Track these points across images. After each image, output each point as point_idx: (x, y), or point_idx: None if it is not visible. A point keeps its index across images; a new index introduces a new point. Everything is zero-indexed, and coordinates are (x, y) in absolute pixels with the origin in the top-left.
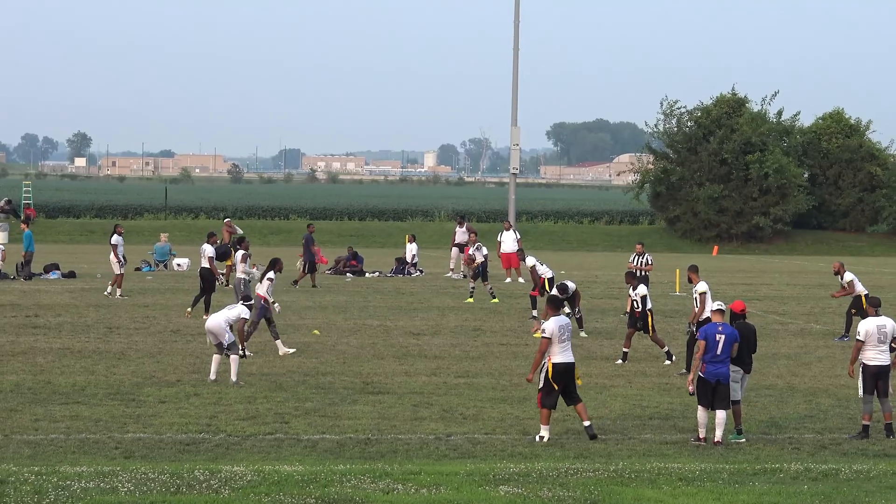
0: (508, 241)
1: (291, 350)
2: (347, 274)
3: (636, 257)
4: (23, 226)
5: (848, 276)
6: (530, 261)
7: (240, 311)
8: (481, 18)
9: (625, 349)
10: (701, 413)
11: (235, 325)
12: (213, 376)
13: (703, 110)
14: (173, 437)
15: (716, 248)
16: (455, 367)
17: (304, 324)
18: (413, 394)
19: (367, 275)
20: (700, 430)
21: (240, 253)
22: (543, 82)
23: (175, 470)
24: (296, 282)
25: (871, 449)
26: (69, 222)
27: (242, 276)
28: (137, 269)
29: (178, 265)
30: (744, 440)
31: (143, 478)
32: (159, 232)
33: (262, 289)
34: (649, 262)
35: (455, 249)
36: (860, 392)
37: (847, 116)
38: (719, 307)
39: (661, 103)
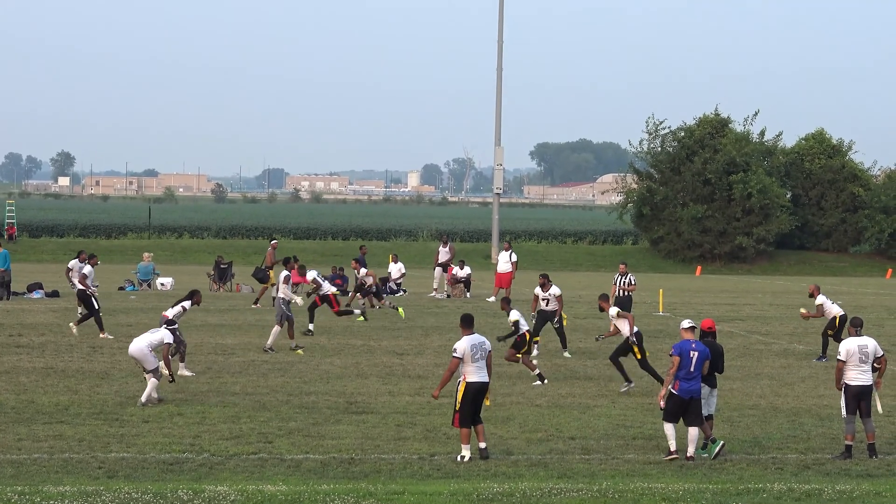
0: (503, 261)
1: (190, 373)
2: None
3: (619, 277)
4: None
5: (820, 299)
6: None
7: (163, 335)
8: (464, 38)
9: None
10: (668, 427)
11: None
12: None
13: (686, 130)
14: (157, 456)
15: (699, 268)
16: None
17: (288, 343)
18: (397, 413)
19: (349, 294)
20: (670, 442)
21: (283, 274)
22: (527, 102)
23: (158, 490)
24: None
25: (854, 469)
26: (53, 241)
27: (283, 297)
28: (121, 288)
29: (162, 284)
30: (711, 452)
31: (127, 498)
32: (143, 251)
33: (170, 312)
34: (632, 283)
35: (438, 269)
36: (843, 412)
37: (829, 137)
38: (690, 325)
39: (647, 122)
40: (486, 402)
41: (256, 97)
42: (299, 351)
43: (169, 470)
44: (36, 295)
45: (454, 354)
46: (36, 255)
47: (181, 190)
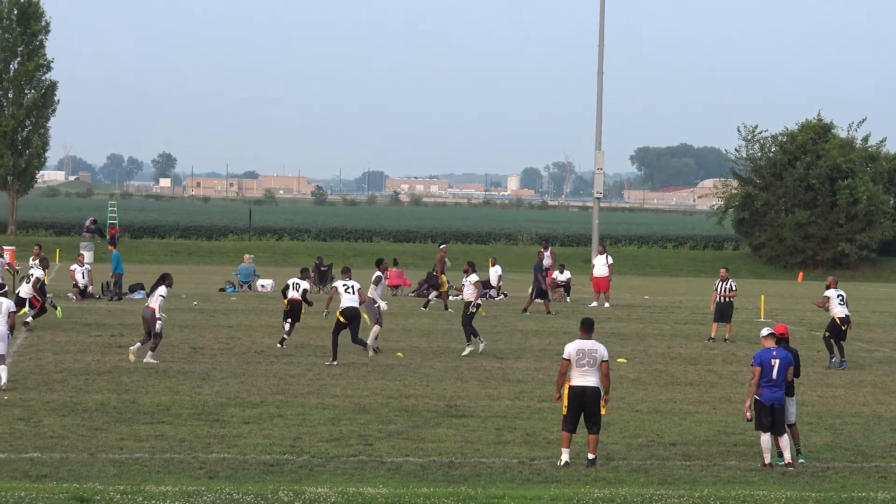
0: (600, 264)
1: (155, 362)
2: (431, 297)
3: (720, 283)
4: (110, 247)
5: (829, 292)
6: None
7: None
8: (566, 42)
9: None
10: (764, 438)
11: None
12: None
13: (788, 135)
14: (257, 457)
15: (801, 274)
16: (539, 391)
17: (387, 346)
18: (497, 417)
19: (450, 298)
20: (765, 454)
21: (375, 275)
22: (628, 107)
23: (259, 491)
24: (525, 310)
25: None
26: (154, 242)
27: (371, 297)
28: (221, 289)
29: (262, 286)
30: (802, 461)
31: (228, 498)
32: (243, 253)
33: (152, 301)
34: (733, 288)
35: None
36: None
37: None
38: (769, 332)
39: (739, 130)
40: (603, 411)
41: (358, 101)
42: (399, 353)
43: (269, 471)
44: (137, 295)
45: (562, 356)
46: (137, 255)
47: (281, 192)
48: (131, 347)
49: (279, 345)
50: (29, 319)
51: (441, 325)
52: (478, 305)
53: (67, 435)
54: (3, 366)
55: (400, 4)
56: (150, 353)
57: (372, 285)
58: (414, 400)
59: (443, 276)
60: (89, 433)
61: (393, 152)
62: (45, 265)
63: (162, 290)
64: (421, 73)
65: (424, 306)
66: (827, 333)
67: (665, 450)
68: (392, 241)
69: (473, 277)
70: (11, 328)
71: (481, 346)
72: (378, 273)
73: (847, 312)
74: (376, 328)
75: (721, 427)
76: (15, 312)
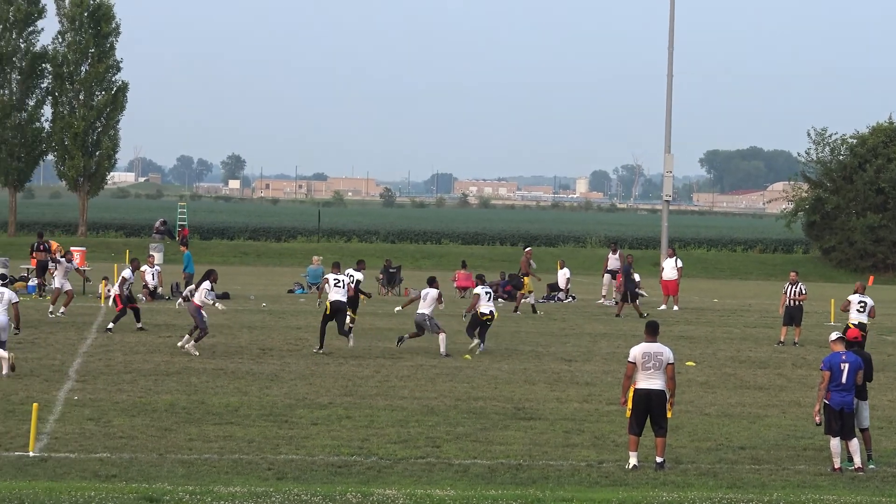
0: (669, 268)
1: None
2: (499, 299)
3: (790, 286)
4: (182, 248)
5: (853, 297)
6: None
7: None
8: (635, 46)
9: None
10: (834, 443)
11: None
12: None
13: (858, 139)
14: (325, 458)
15: (871, 277)
16: (607, 394)
17: (455, 349)
18: (565, 420)
19: (524, 301)
20: (835, 459)
21: (431, 291)
22: (697, 109)
23: (328, 492)
24: (617, 314)
25: None
26: (223, 244)
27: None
28: (290, 291)
29: None
30: (873, 466)
31: (296, 499)
32: (312, 255)
33: (197, 297)
34: (803, 292)
35: (607, 276)
36: None
37: None
38: (839, 336)
39: (809, 133)
40: (669, 414)
41: (426, 103)
42: (467, 356)
43: (337, 472)
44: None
45: (628, 359)
46: (206, 257)
47: (350, 194)
48: (178, 343)
49: (348, 341)
50: (111, 326)
51: (509, 328)
52: (483, 314)
53: (137, 435)
54: (3, 351)
55: (466, 7)
56: (192, 343)
57: (422, 301)
58: (482, 402)
59: (526, 277)
60: (158, 433)
61: (461, 154)
62: (135, 266)
63: (206, 284)
64: (489, 75)
65: (516, 309)
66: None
67: (734, 453)
68: (461, 243)
69: (435, 292)
70: (16, 319)
71: (479, 349)
72: (430, 290)
73: (864, 320)
74: (442, 335)
75: (790, 431)
76: (17, 303)
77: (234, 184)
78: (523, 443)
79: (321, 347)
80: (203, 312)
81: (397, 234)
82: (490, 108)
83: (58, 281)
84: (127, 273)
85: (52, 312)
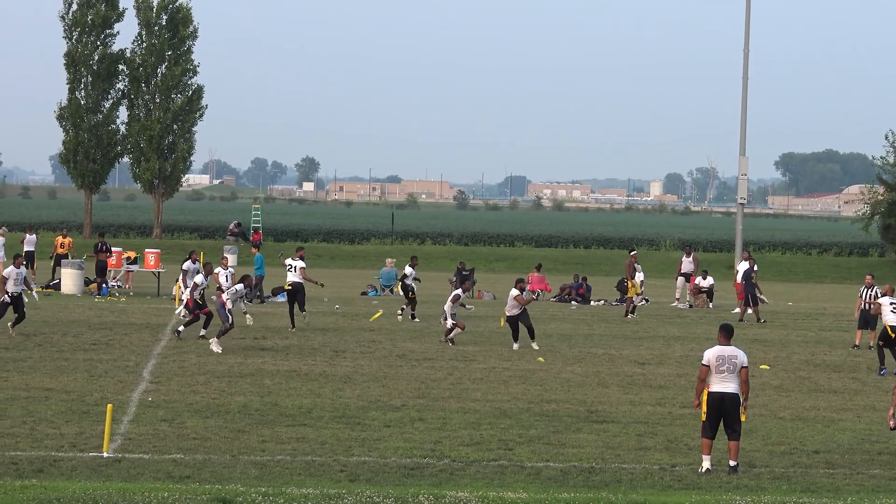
0: (743, 271)
1: (218, 350)
2: (573, 302)
3: (865, 290)
4: (253, 250)
5: (884, 300)
6: None
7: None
8: (710, 48)
9: None
10: None
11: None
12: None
13: None
14: (398, 461)
15: None
16: (681, 398)
17: (529, 351)
18: (638, 423)
19: (592, 303)
20: None
21: (454, 293)
22: (772, 112)
23: (400, 494)
24: (741, 319)
25: None
26: (297, 246)
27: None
28: (363, 293)
29: None
30: None
31: (368, 501)
32: (385, 257)
33: (226, 295)
34: (879, 295)
35: (681, 279)
36: None
37: None
38: None
39: (887, 136)
40: (742, 418)
41: (499, 105)
42: (540, 359)
43: (410, 475)
44: (280, 298)
45: (701, 362)
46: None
47: (423, 196)
48: (210, 340)
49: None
50: (181, 329)
51: (582, 331)
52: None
53: (210, 436)
54: None
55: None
56: (215, 339)
57: (450, 302)
58: (555, 405)
59: (631, 281)
60: (232, 435)
61: (535, 157)
62: (208, 271)
63: (239, 287)
64: (562, 77)
65: (627, 313)
66: (881, 343)
67: (808, 457)
68: (534, 245)
69: (514, 292)
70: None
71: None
72: (457, 291)
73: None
74: (457, 330)
75: (865, 435)
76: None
77: (308, 186)
78: (596, 446)
79: (293, 326)
80: (228, 308)
81: (471, 237)
82: (564, 111)
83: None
84: (199, 279)
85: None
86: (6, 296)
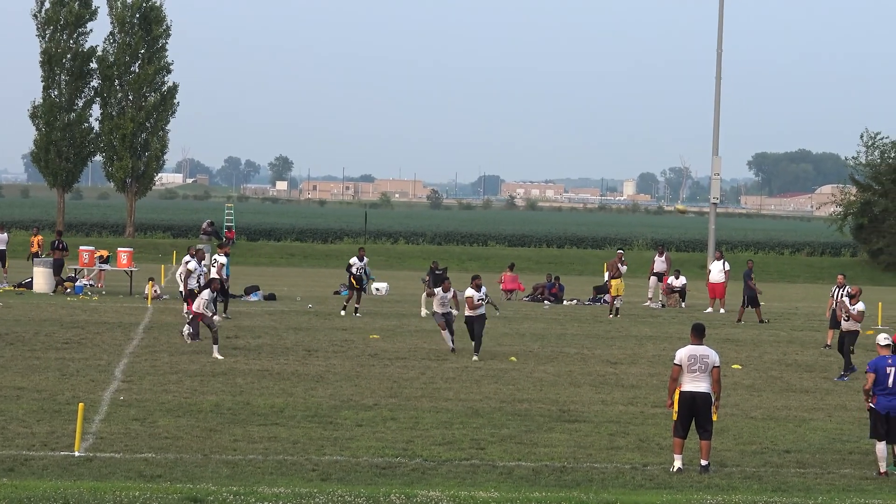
0: (716, 270)
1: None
2: (545, 301)
3: (837, 289)
4: (220, 250)
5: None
6: None
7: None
8: (684, 48)
9: None
10: (880, 447)
11: None
12: None
13: None
14: (370, 460)
15: None
16: (652, 397)
17: (501, 350)
18: (609, 423)
19: (564, 302)
20: (880, 463)
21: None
22: (745, 112)
23: (371, 493)
24: (739, 319)
25: None
26: (270, 245)
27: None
28: (336, 292)
29: (377, 289)
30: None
31: (340, 500)
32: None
33: (196, 305)
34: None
35: (653, 278)
36: None
37: None
38: (887, 341)
39: (862, 136)
40: (714, 417)
41: (472, 105)
42: (512, 358)
43: (381, 474)
44: (253, 297)
45: (673, 362)
46: (253, 258)
47: (397, 195)
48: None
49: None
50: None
51: (555, 330)
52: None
53: (182, 436)
54: None
55: (513, 8)
56: (215, 347)
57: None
58: (527, 404)
59: (614, 280)
60: (203, 434)
61: (508, 156)
62: (200, 256)
63: (206, 293)
64: (536, 77)
65: (611, 312)
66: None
67: (779, 457)
68: (507, 245)
69: (469, 292)
70: None
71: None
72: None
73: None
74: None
75: (836, 435)
76: None
77: (282, 185)
78: (568, 445)
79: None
80: (209, 315)
81: (444, 236)
82: (537, 110)
83: None
84: (193, 265)
85: None
86: None
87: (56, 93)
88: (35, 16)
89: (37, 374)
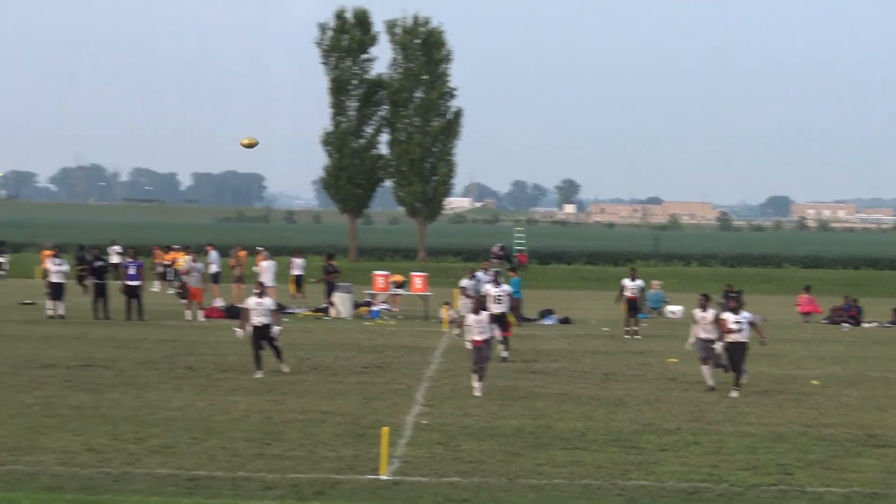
0: None
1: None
2: (844, 324)
3: None
4: (510, 272)
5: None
6: None
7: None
8: None
9: None
10: None
11: None
12: None
13: None
14: (675, 485)
15: None
16: None
17: (801, 374)
18: None
19: (863, 325)
20: None
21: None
22: None
23: None
24: None
25: None
26: (561, 268)
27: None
28: None
29: (672, 312)
30: None
31: None
32: (651, 279)
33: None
34: None
35: None
36: None
37: None
38: None
39: None
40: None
41: (761, 125)
42: (814, 381)
43: (689, 499)
44: (548, 321)
45: None
46: (545, 281)
47: (686, 218)
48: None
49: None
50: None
51: (855, 353)
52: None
53: (485, 459)
54: None
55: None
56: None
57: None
58: (832, 429)
59: None
60: (507, 458)
61: (797, 177)
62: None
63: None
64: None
65: None
66: None
67: None
68: (801, 266)
69: (714, 313)
70: None
71: None
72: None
73: None
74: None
75: None
76: None
77: (570, 208)
78: (877, 471)
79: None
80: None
81: (736, 259)
82: (828, 130)
83: None
84: (465, 282)
85: None
86: (249, 327)
87: (345, 119)
88: (318, 44)
89: (340, 398)
